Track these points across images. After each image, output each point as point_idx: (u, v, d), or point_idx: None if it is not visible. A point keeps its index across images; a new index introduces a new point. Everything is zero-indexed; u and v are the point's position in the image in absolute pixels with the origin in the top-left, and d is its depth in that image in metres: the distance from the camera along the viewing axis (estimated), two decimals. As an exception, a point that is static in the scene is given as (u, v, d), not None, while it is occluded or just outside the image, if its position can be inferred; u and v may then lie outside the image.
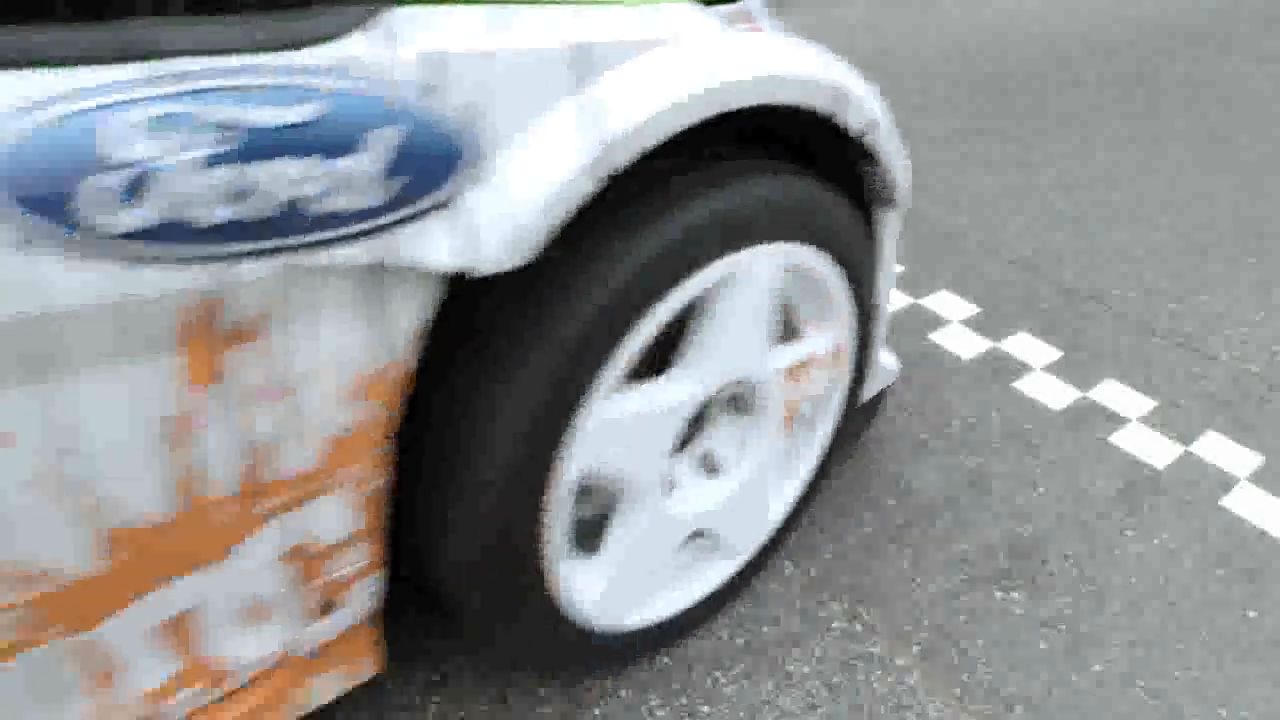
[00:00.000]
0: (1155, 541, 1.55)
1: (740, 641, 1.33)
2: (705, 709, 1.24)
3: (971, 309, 2.16)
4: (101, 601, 0.77)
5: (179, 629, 0.84)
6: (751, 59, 0.98)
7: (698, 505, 1.20)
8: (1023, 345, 2.04)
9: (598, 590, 1.11)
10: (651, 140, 0.89)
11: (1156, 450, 1.75)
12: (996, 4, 5.16)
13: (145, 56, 0.64)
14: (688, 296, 0.98)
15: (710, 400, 1.26)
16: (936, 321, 2.11)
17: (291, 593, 0.90)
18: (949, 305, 2.17)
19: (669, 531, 1.16)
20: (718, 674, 1.29)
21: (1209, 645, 1.38)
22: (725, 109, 0.95)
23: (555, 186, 0.82)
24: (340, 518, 0.89)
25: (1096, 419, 1.83)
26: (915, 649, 1.34)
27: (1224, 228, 2.66)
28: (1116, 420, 1.82)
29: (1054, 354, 2.02)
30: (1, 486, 0.66)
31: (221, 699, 0.92)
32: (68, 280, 0.62)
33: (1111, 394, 1.90)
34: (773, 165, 1.08)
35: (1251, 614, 1.43)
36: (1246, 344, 2.11)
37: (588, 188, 0.85)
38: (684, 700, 1.25)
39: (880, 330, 1.43)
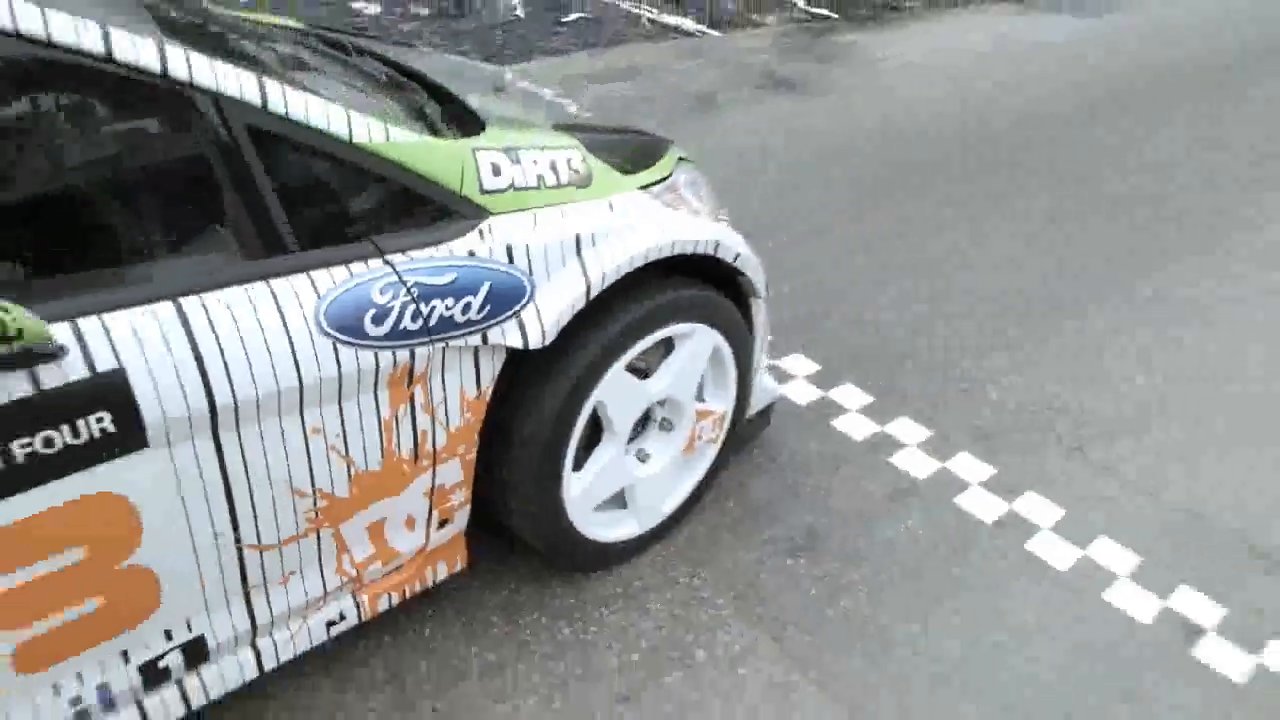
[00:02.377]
0: (903, 527, 2.31)
1: (619, 589, 2.08)
2: (594, 629, 1.98)
3: (814, 367, 2.93)
4: (345, 511, 1.59)
5: (377, 529, 1.67)
6: (671, 231, 1.84)
7: (650, 460, 2.07)
8: (846, 393, 2.81)
9: (577, 491, 1.93)
10: (615, 278, 1.74)
11: (921, 466, 2.52)
12: (900, 93, 5.97)
13: (379, 254, 1.47)
14: (651, 343, 1.88)
15: (652, 408, 2.09)
16: (786, 377, 2.87)
17: (429, 513, 1.73)
18: (799, 365, 2.94)
19: (616, 472, 2.00)
20: (604, 609, 2.03)
21: (923, 593, 2.13)
22: (655, 259, 1.81)
23: (566, 307, 1.67)
24: (454, 473, 1.72)
25: (886, 445, 2.60)
26: (732, 594, 2.09)
27: (1031, 298, 3.44)
28: (899, 446, 2.59)
29: (868, 399, 2.79)
30: (313, 453, 1.48)
31: (386, 574, 1.77)
32: (350, 360, 1.44)
33: (902, 428, 2.67)
34: (687, 281, 1.95)
35: (956, 571, 2.19)
36: (1015, 390, 2.88)
37: (582, 305, 1.69)
38: (582, 623, 1.99)
39: (755, 377, 2.28)
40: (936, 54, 7.19)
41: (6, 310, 1.09)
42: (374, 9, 7.14)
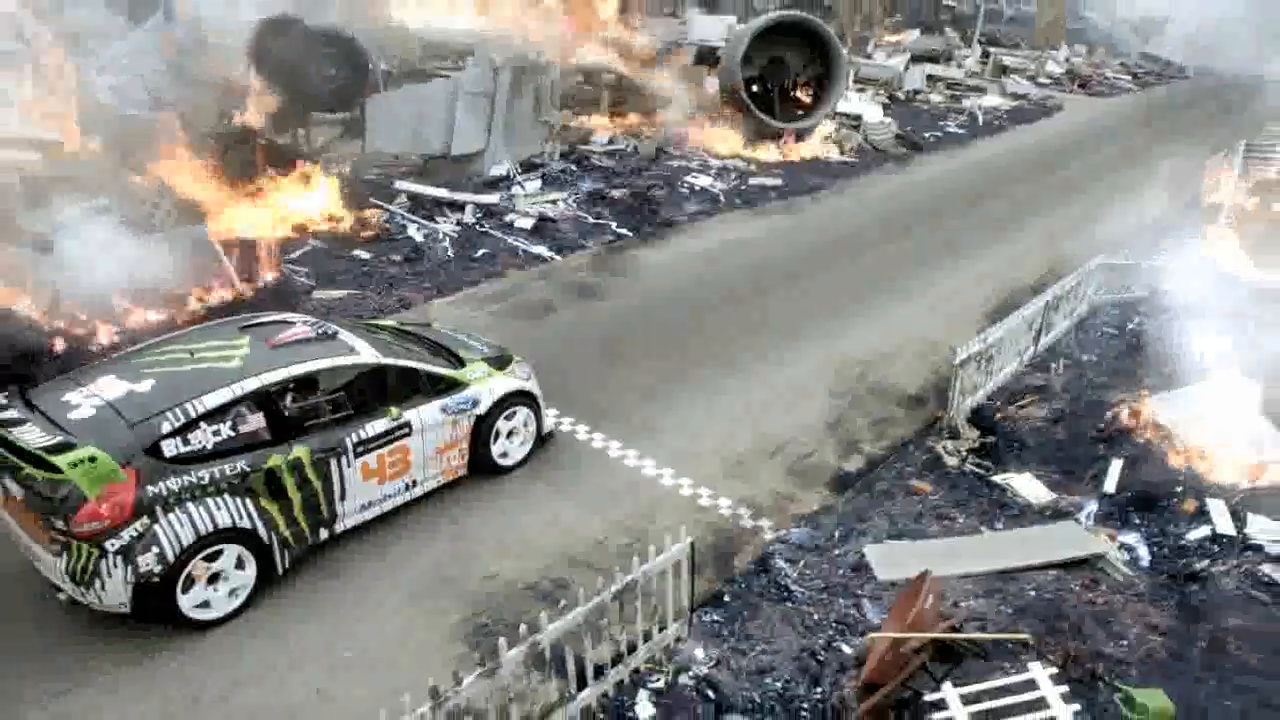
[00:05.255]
0: (592, 463, 8.27)
1: (506, 478, 7.97)
2: (508, 483, 7.86)
3: (571, 417, 8.90)
4: (442, 451, 7.67)
5: (448, 459, 7.74)
6: (514, 384, 8.11)
7: (509, 444, 8.10)
8: (582, 426, 8.79)
9: (494, 450, 7.99)
10: (499, 397, 7.95)
11: (599, 445, 8.53)
12: (649, 286, 12.20)
13: (449, 395, 7.52)
14: (509, 410, 8.00)
15: (511, 426, 8.07)
16: (561, 420, 8.83)
17: (454, 457, 7.78)
18: (568, 417, 8.90)
19: (503, 446, 8.08)
20: (506, 480, 7.92)
21: (585, 471, 8.08)
22: (506, 393, 7.98)
23: (487, 405, 7.84)
24: (465, 445, 7.83)
25: (591, 441, 8.58)
26: (534, 477, 8.01)
27: (663, 379, 9.50)
28: (593, 439, 8.58)
29: (587, 427, 8.76)
30: (439, 437, 7.55)
31: (449, 469, 7.79)
32: (445, 417, 7.50)
33: (598, 434, 8.71)
34: (523, 392, 8.01)
35: (600, 467, 8.15)
36: (647, 417, 8.90)
37: (490, 403, 7.84)
38: (503, 481, 7.86)
39: (544, 423, 8.30)
40: (681, 257, 13.56)
41: (396, 409, 7.03)
42: (367, 255, 13.12)
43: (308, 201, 13.90)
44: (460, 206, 15.17)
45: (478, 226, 14.50)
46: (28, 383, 7.17)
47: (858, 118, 22.54)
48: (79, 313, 10.14)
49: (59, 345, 9.64)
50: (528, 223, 14.67)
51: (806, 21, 20.97)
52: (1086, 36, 39.40)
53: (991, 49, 35.06)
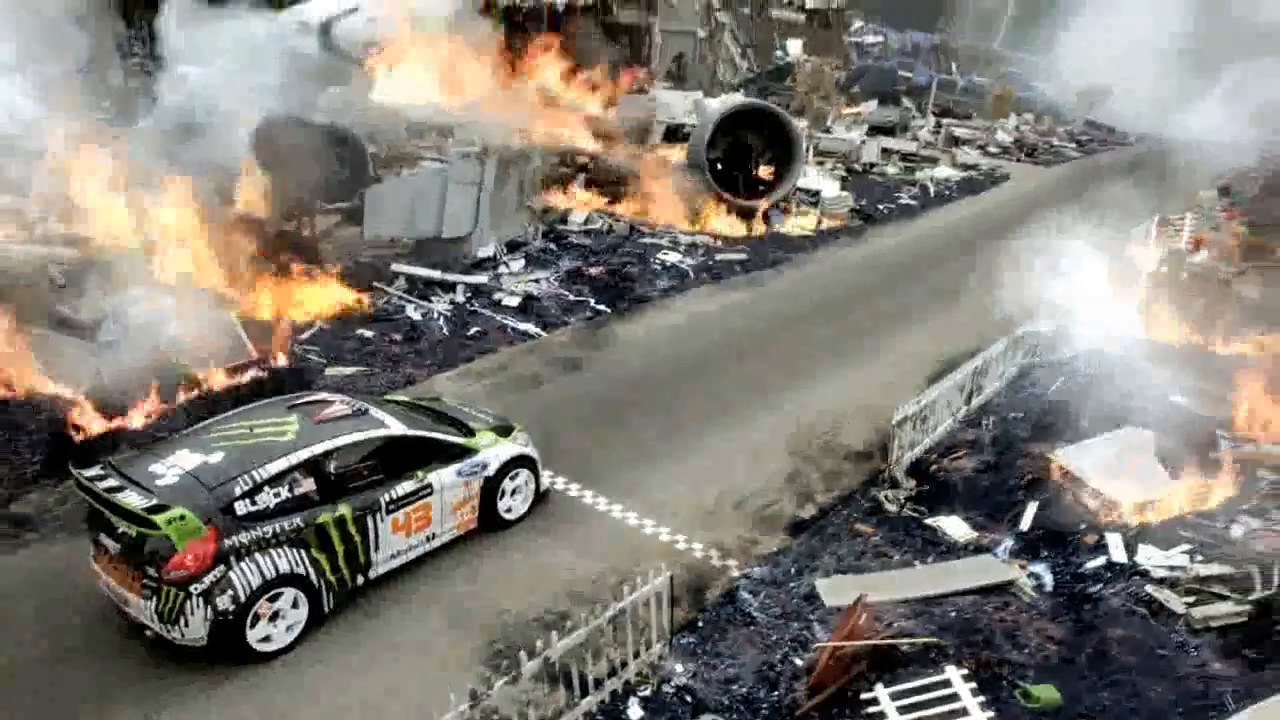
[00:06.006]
0: (577, 512, 9.70)
1: (514, 531, 9.38)
2: (511, 537, 9.27)
3: (565, 477, 10.34)
4: (458, 508, 9.16)
5: (463, 512, 9.19)
6: (516, 449, 9.64)
7: (513, 501, 9.55)
8: (573, 485, 10.23)
9: (501, 505, 9.45)
10: (504, 462, 9.46)
11: (589, 500, 9.98)
12: (624, 358, 13.73)
13: (462, 460, 8.95)
14: (512, 471, 9.48)
15: (514, 486, 9.51)
16: (555, 480, 10.26)
17: (468, 512, 9.25)
18: (561, 477, 10.34)
19: (508, 502, 9.53)
20: (515, 535, 9.33)
21: (577, 523, 9.51)
22: (509, 458, 9.46)
23: (495, 468, 9.35)
24: (475, 503, 9.30)
25: (579, 497, 10.02)
26: (534, 530, 9.41)
27: (643, 440, 10.98)
28: (584, 496, 10.03)
29: (578, 485, 10.21)
30: (456, 497, 9.05)
31: (462, 523, 9.24)
32: (460, 480, 8.98)
33: (586, 491, 10.14)
34: (525, 456, 9.59)
35: (581, 518, 9.58)
36: (624, 474, 10.36)
37: (498, 467, 9.34)
38: (510, 536, 9.27)
39: (542, 482, 9.77)
40: (654, 331, 15.15)
41: (421, 472, 8.47)
42: (369, 334, 14.57)
43: (318, 286, 15.38)
44: (452, 286, 16.69)
45: (469, 305, 16.02)
46: (85, 460, 8.49)
47: (816, 193, 24.43)
48: (119, 395, 11.51)
49: (103, 426, 11.00)
50: (514, 301, 16.20)
51: (768, 109, 22.95)
52: (1035, 105, 41.86)
53: (944, 120, 37.43)
